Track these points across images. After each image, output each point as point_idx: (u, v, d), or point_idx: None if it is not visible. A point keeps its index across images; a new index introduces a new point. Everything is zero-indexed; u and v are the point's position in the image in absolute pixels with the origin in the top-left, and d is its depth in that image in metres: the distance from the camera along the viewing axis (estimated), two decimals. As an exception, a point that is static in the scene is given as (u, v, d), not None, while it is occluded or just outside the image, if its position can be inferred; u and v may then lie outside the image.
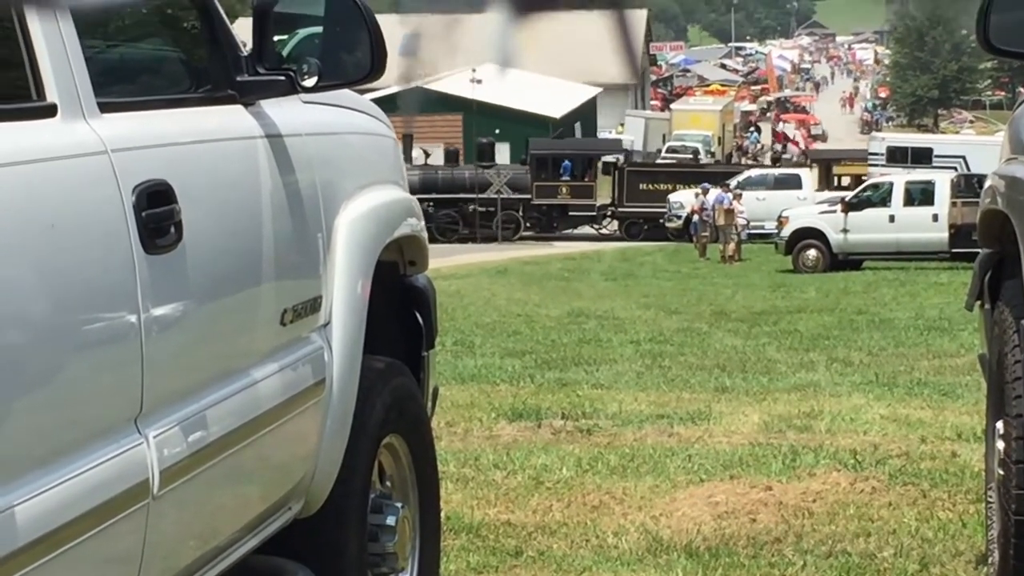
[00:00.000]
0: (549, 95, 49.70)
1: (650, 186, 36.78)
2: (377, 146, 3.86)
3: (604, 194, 38.27)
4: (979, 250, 4.61)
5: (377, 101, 4.35)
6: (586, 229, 37.10)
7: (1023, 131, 4.00)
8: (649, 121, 58.17)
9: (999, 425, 3.91)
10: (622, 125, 56.27)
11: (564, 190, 36.35)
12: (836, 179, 38.66)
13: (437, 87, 44.50)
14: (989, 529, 4.26)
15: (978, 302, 4.44)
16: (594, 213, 37.30)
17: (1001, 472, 3.84)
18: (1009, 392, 3.69)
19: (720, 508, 5.36)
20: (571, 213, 35.70)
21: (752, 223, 30.17)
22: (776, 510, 5.35)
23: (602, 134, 52.94)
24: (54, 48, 2.44)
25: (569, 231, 35.60)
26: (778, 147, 63.23)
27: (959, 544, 4.85)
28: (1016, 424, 3.67)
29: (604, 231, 37.27)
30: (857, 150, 45.84)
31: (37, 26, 2.42)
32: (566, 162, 38.46)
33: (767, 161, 49.57)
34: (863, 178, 34.04)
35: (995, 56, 4.18)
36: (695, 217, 31.42)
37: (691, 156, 45.98)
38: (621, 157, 39.56)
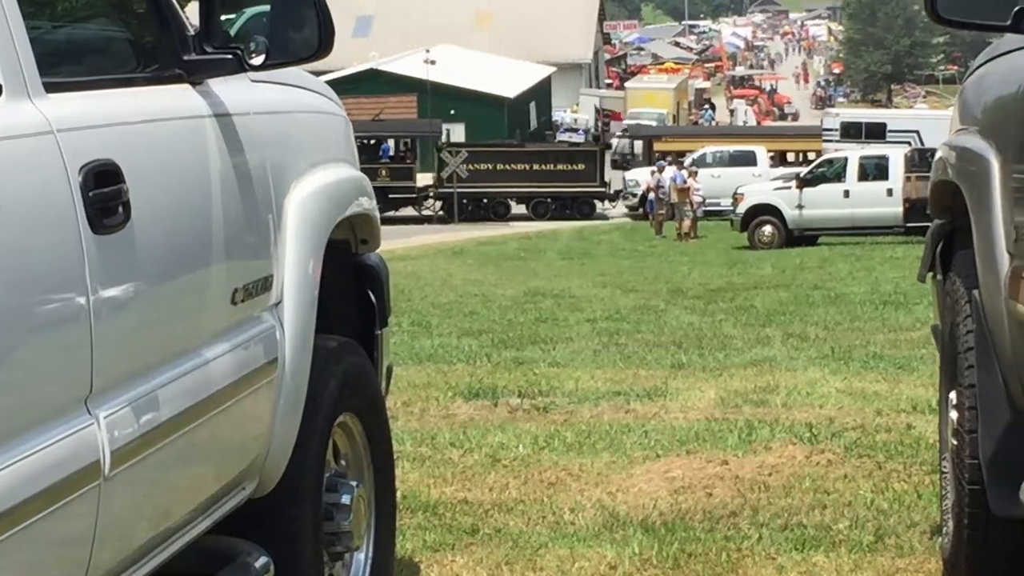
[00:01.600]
0: (503, 75, 49.90)
1: (473, 166, 37.83)
2: (327, 124, 3.86)
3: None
4: (929, 223, 4.63)
5: (332, 83, 4.33)
6: (409, 211, 38.48)
7: (971, 102, 4.05)
8: (604, 100, 58.42)
9: (952, 395, 3.98)
10: (577, 104, 56.06)
11: (383, 172, 36.75)
12: (787, 156, 39.39)
13: (391, 68, 46.07)
14: (944, 499, 4.30)
15: (930, 273, 4.46)
16: (414, 196, 38.22)
17: (955, 442, 3.92)
18: (961, 363, 3.76)
19: (676, 483, 5.42)
20: (391, 196, 35.83)
21: (708, 200, 30.56)
22: (732, 484, 5.40)
23: (557, 113, 53.82)
24: None
25: (391, 213, 35.16)
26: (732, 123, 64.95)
27: (914, 515, 4.94)
28: (968, 394, 3.73)
29: (427, 212, 38.52)
30: (811, 126, 46.82)
31: None
32: (385, 144, 39.57)
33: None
34: (815, 153, 34.87)
35: (944, 27, 4.15)
36: (651, 195, 31.38)
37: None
38: (442, 138, 41.33)
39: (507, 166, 37.90)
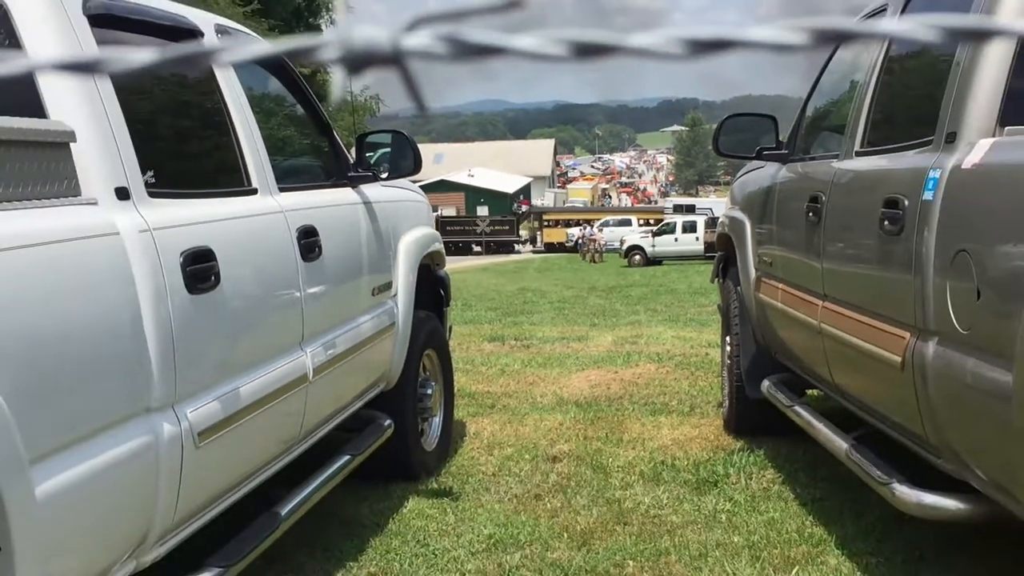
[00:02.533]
0: (507, 182, 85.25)
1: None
2: (419, 206, 5.36)
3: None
4: (716, 253, 6.13)
5: (421, 187, 5.96)
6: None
7: (736, 194, 5.68)
8: (556, 194, 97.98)
9: (727, 339, 5.74)
10: (543, 197, 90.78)
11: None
12: (648, 221, 57.07)
13: (450, 178, 78.85)
14: (723, 389, 5.99)
15: (717, 278, 6.10)
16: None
17: (728, 361, 5.68)
18: (732, 322, 5.53)
19: (592, 383, 7.68)
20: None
21: (607, 243, 47.04)
22: (620, 384, 7.62)
23: (535, 200, 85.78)
24: (254, 157, 3.53)
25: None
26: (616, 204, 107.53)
27: (709, 396, 6.96)
28: (731, 340, 5.52)
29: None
30: (657, 207, 74.49)
31: (245, 143, 3.48)
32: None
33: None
34: (661, 219, 52.13)
35: (723, 157, 5.79)
36: (580, 240, 48.25)
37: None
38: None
39: (472, 228, 60.35)
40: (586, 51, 0.44)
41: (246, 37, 3.13)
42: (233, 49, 0.45)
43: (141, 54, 0.47)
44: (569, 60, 0.44)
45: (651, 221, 56.53)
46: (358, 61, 0.43)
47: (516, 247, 58.60)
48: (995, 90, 2.95)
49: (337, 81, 0.44)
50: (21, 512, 2.03)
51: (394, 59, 0.43)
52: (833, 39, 0.45)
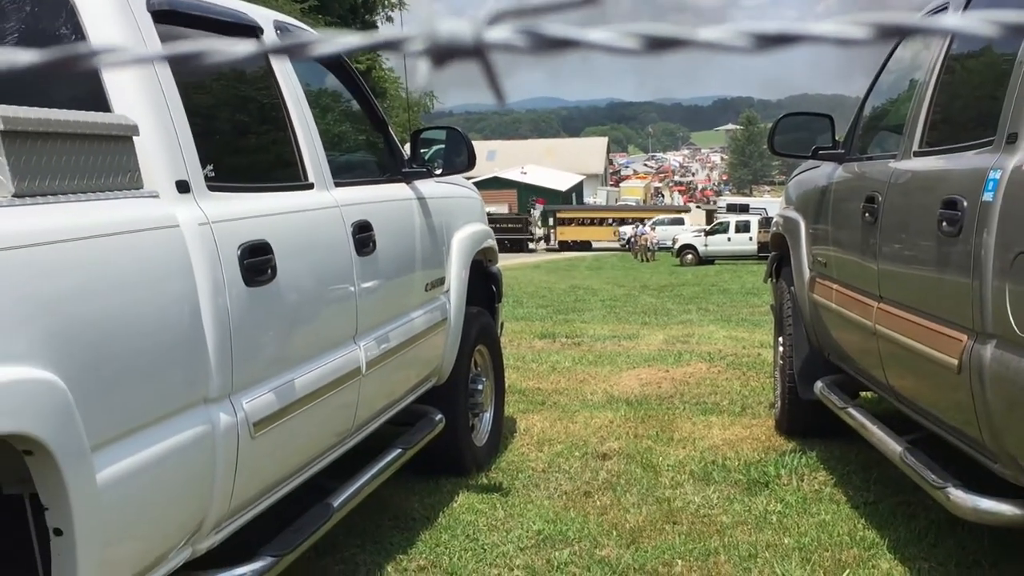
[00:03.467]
0: (559, 179, 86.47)
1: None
2: (472, 202, 5.40)
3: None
4: (770, 253, 6.04)
5: (475, 183, 6.02)
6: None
7: (791, 193, 5.61)
8: (609, 191, 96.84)
9: (780, 339, 5.68)
10: (595, 194, 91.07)
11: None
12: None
13: (503, 175, 79.11)
14: (775, 391, 5.94)
15: (770, 279, 6.03)
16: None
17: (781, 362, 5.62)
18: (784, 323, 5.49)
19: (643, 381, 7.66)
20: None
21: (660, 241, 46.34)
22: (671, 382, 7.58)
23: (587, 199, 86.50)
24: (311, 152, 3.56)
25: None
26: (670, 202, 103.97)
27: (761, 397, 6.91)
28: (784, 341, 5.47)
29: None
30: (683, 207, 74.70)
31: (302, 138, 3.50)
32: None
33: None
34: (715, 217, 52.43)
35: (777, 156, 5.50)
36: (632, 239, 47.84)
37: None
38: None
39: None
40: (658, 44, 0.45)
41: (307, 33, 3.17)
42: (326, 41, 0.46)
43: (240, 46, 0.48)
44: (641, 53, 0.45)
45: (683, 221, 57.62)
46: (442, 53, 0.44)
47: (530, 246, 58.22)
48: (1058, 90, 2.90)
49: (422, 71, 0.45)
50: (82, 497, 2.07)
51: (476, 51, 0.44)
52: (895, 34, 0.46)
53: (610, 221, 61.84)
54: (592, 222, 61.74)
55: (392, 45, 0.45)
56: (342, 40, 0.47)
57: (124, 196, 2.50)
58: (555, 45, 0.45)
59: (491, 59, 0.45)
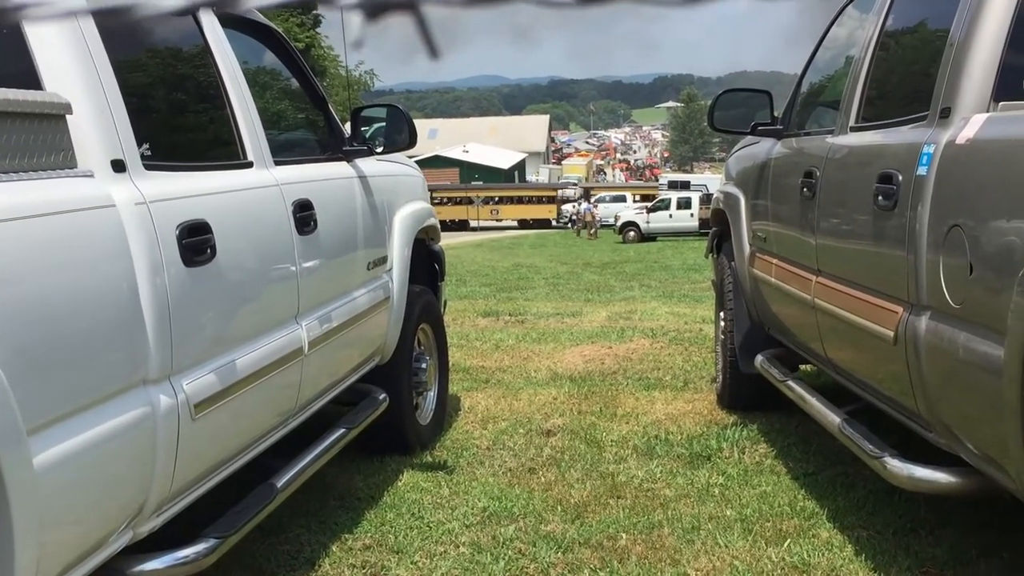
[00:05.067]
0: (502, 157, 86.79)
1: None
2: (414, 181, 5.44)
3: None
4: (711, 229, 6.20)
5: (416, 161, 5.98)
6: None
7: (731, 169, 5.69)
8: (551, 169, 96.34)
9: (721, 314, 5.76)
10: (538, 172, 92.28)
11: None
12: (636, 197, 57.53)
13: (445, 154, 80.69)
14: (717, 364, 6.03)
15: (711, 254, 6.16)
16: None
17: (722, 336, 5.71)
18: (725, 298, 5.56)
19: (587, 357, 7.73)
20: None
21: (602, 219, 46.11)
22: (614, 359, 7.66)
23: (529, 177, 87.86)
24: (250, 130, 3.53)
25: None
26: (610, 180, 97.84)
27: (703, 372, 7.02)
28: (729, 314, 5.54)
29: None
30: (652, 185, 71.19)
31: (240, 116, 3.47)
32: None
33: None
34: (656, 195, 51.81)
35: (718, 132, 5.66)
36: (574, 216, 48.18)
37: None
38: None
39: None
40: None
41: None
42: None
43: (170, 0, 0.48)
44: (574, 6, 0.45)
45: (640, 198, 56.93)
46: (376, 6, 0.44)
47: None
48: (989, 65, 2.96)
49: (355, 25, 0.45)
50: (19, 482, 2.04)
51: (410, 4, 0.44)
52: None
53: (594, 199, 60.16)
54: (567, 200, 60.59)
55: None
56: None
57: (57, 176, 2.46)
58: (491, -1, 0.45)
59: (424, 12, 0.45)
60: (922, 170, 3.01)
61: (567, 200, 59.81)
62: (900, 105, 3.60)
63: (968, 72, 2.99)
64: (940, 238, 2.86)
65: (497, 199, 59.86)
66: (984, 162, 2.77)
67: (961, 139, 2.85)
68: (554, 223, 57.63)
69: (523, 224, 57.75)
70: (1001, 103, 2.94)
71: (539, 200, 60.71)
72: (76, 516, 2.38)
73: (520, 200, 60.44)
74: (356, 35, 0.44)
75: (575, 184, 71.93)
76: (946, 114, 3.01)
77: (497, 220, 58.54)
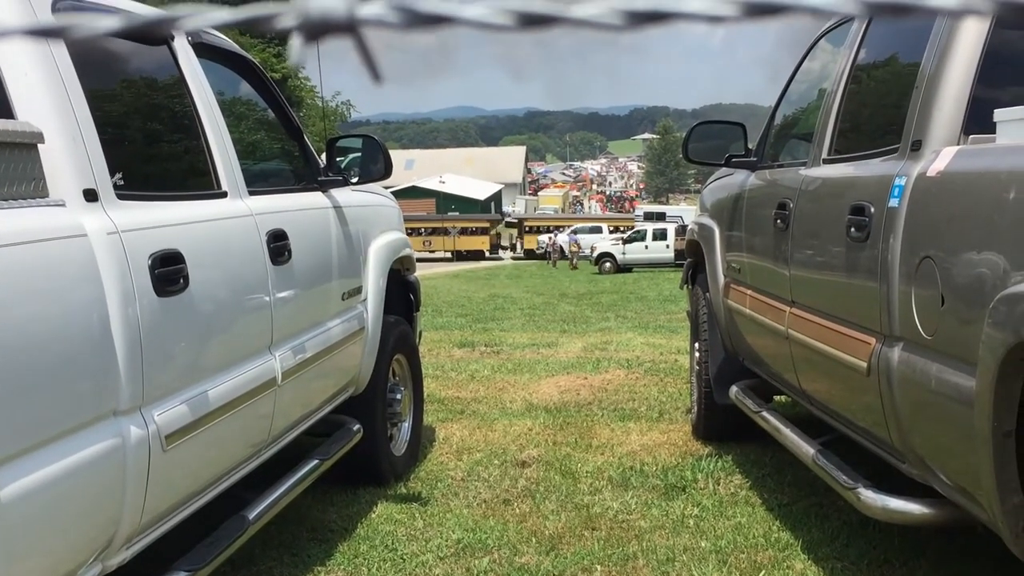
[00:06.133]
0: (478, 188, 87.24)
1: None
2: (389, 211, 5.41)
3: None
4: (686, 260, 6.16)
5: (393, 192, 5.99)
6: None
7: (705, 201, 5.72)
8: (528, 201, 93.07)
9: (696, 345, 5.79)
10: (514, 203, 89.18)
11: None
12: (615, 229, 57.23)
13: (421, 185, 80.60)
14: (692, 396, 6.04)
15: (686, 285, 6.15)
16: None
17: (697, 367, 5.73)
18: (700, 328, 5.59)
19: (562, 388, 7.74)
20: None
21: (581, 250, 46.44)
22: (589, 389, 7.68)
23: (505, 208, 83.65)
24: (224, 160, 3.52)
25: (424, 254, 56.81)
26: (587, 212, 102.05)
27: (678, 403, 7.03)
28: (700, 346, 5.58)
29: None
30: (629, 216, 69.66)
31: (215, 146, 3.45)
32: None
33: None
34: (632, 226, 51.00)
35: (693, 164, 5.61)
36: (550, 248, 48.59)
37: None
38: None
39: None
40: (530, 21, 0.45)
41: (178, 7, 3.10)
42: (194, 16, 0.46)
43: (104, 21, 0.48)
44: (514, 30, 0.45)
45: (617, 229, 57.78)
46: (315, 29, 0.44)
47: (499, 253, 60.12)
48: (960, 99, 3.00)
49: (296, 48, 0.45)
50: (-15, 514, 1.99)
51: (350, 27, 0.44)
52: (762, 12, 0.47)
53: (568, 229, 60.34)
54: (540, 230, 61.46)
55: (265, 20, 0.45)
56: (213, 15, 0.47)
57: (28, 205, 2.45)
58: (428, 21, 0.45)
59: (364, 35, 0.45)
60: (894, 202, 3.04)
61: (521, 230, 61.09)
62: (872, 138, 3.64)
63: (939, 105, 3.03)
64: (912, 269, 2.88)
65: (430, 230, 59.75)
66: (955, 194, 2.80)
67: (932, 171, 2.88)
68: (487, 254, 58.95)
69: (458, 256, 57.96)
70: (971, 136, 2.97)
71: (472, 232, 61.07)
72: (44, 548, 2.35)
73: (450, 232, 60.32)
74: (296, 57, 0.44)
75: (509, 214, 73.98)
76: (917, 147, 3.04)
77: (430, 252, 58.18)
